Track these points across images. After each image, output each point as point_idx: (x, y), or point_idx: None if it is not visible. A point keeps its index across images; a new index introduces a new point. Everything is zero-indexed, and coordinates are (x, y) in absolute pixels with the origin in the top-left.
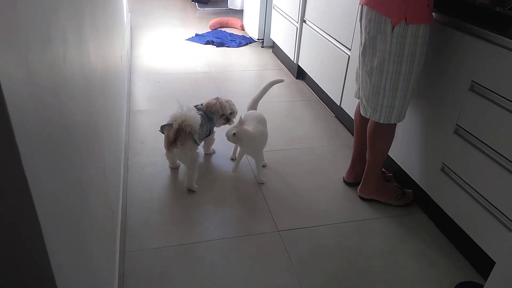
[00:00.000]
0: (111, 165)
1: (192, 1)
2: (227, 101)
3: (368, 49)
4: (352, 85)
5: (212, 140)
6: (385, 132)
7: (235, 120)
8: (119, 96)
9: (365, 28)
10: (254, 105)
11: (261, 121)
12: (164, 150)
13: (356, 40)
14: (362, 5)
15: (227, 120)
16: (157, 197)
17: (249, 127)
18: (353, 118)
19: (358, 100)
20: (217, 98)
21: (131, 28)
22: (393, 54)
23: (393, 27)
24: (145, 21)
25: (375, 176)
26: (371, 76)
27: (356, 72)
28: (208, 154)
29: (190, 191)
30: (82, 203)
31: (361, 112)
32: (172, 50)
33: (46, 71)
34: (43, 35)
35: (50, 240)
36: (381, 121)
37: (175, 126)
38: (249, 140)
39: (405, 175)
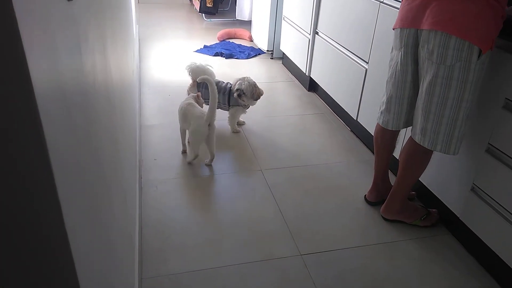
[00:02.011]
0: (129, 187)
1: (199, 12)
2: (247, 81)
3: (442, 79)
4: (370, 99)
5: (234, 115)
6: (426, 157)
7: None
8: (132, 112)
9: (438, 56)
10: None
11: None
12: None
13: (374, 54)
14: (420, 30)
15: (239, 96)
16: (172, 217)
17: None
18: (370, 132)
19: (377, 120)
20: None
21: (139, 40)
22: (474, 82)
23: (480, 54)
24: (153, 33)
25: (401, 197)
26: (445, 108)
27: (389, 101)
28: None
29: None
30: (106, 236)
31: (427, 146)
32: (181, 62)
33: (78, 93)
34: (75, 54)
35: (82, 272)
36: (453, 154)
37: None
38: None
39: (428, 193)
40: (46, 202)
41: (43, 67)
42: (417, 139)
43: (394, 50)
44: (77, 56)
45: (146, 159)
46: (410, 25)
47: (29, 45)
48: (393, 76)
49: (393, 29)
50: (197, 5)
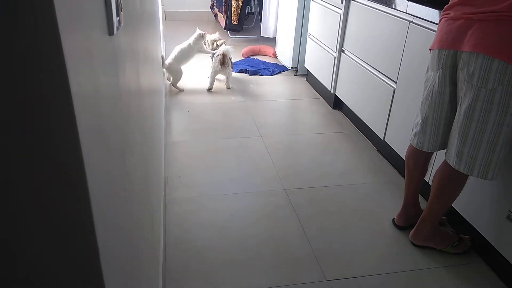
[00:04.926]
0: (156, 205)
1: (224, 29)
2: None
3: (482, 102)
4: (399, 119)
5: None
6: (461, 182)
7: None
8: (159, 128)
9: (479, 79)
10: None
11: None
12: None
13: (403, 73)
14: (459, 51)
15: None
16: (195, 236)
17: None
18: (397, 152)
19: (410, 141)
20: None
21: (165, 57)
22: None
23: None
24: None
25: (432, 222)
26: (484, 133)
27: (425, 123)
28: None
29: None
30: (137, 258)
31: (463, 170)
32: (206, 78)
33: (116, 116)
34: (114, 82)
35: None
36: (491, 180)
37: (223, 53)
38: None
39: (460, 218)
40: (79, 215)
41: (86, 93)
42: (451, 162)
43: (430, 70)
44: (115, 84)
45: (171, 176)
46: (449, 47)
47: (74, 78)
48: (430, 97)
49: (430, 49)
50: (222, 22)
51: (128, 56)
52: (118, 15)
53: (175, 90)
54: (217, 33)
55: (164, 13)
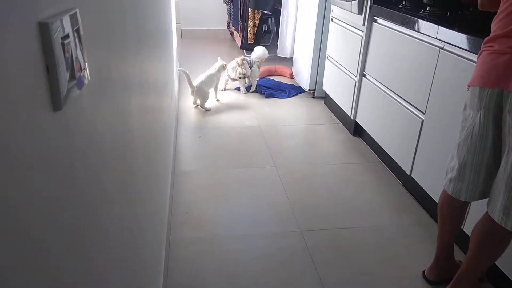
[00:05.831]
0: (153, 247)
1: (240, 48)
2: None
3: None
4: (428, 154)
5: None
6: (507, 239)
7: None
8: (167, 159)
9: None
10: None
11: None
12: None
13: (433, 104)
14: (506, 91)
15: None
16: (201, 286)
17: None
18: (426, 191)
19: (444, 186)
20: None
21: (179, 76)
22: None
23: None
24: (194, 69)
25: (471, 281)
26: None
27: (462, 168)
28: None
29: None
30: None
31: (510, 228)
32: (220, 100)
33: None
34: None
35: None
36: None
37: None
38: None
39: (500, 273)
40: None
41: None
42: (496, 218)
43: (469, 109)
44: (67, 162)
45: (177, 212)
46: (493, 85)
47: None
48: (469, 139)
49: (468, 86)
50: (238, 41)
51: (105, 109)
52: (73, 77)
53: (197, 112)
54: (240, 59)
55: (181, 31)
